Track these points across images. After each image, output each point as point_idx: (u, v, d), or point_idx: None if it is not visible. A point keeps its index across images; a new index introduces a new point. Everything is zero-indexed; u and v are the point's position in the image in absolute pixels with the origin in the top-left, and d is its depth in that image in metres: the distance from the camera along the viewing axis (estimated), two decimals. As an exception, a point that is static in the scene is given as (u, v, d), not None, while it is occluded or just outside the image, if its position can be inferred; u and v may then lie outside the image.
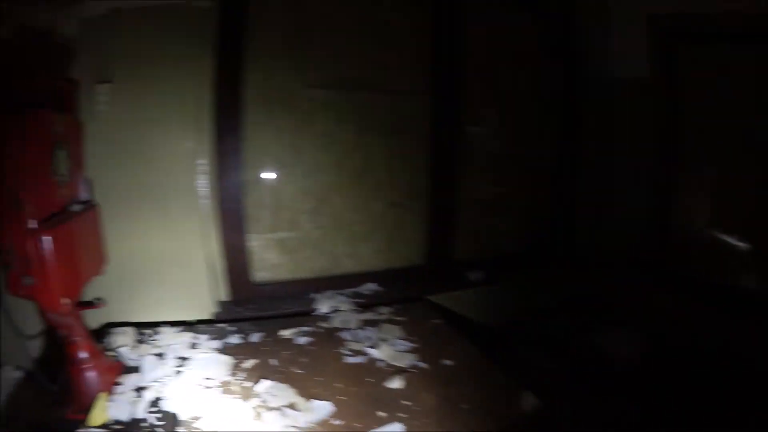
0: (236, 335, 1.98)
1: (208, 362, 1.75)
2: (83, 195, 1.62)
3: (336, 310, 2.21)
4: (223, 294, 2.22)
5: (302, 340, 1.97)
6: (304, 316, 2.16)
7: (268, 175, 2.30)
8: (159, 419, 1.45)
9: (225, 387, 1.64)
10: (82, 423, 1.40)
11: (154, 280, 2.04)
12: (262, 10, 2.12)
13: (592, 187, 2.99)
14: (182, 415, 1.47)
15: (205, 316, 2.12)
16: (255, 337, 1.98)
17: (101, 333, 1.91)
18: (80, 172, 1.61)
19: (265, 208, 2.29)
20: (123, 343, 1.82)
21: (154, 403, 1.52)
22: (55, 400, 1.52)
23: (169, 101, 1.95)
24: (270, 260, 2.34)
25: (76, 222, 1.47)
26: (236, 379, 1.69)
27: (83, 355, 1.51)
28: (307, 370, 1.77)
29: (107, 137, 1.89)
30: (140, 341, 1.88)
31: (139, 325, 1.96)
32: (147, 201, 1.98)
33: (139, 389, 1.58)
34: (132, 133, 1.92)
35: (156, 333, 1.95)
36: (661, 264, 2.66)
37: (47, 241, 1.26)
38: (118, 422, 1.43)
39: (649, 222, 2.71)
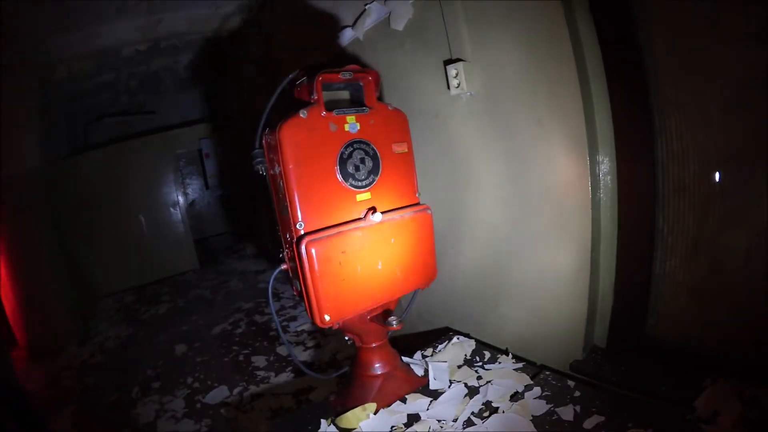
0: (572, 406, 1.24)
1: (507, 425, 1.24)
2: (405, 198, 1.42)
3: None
4: (597, 339, 1.59)
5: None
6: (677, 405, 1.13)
7: (695, 188, 1.36)
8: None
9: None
10: (334, 413, 1.37)
11: (510, 301, 1.71)
12: None
13: None
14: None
15: (556, 363, 1.53)
16: (590, 422, 1.18)
17: (437, 335, 1.81)
18: (400, 173, 1.41)
19: (683, 235, 1.46)
20: (447, 357, 1.60)
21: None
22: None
23: (533, 77, 1.46)
24: (674, 308, 1.49)
25: (375, 232, 1.30)
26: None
27: (370, 363, 1.45)
28: None
29: (460, 123, 1.71)
30: (469, 362, 1.60)
31: (481, 345, 1.69)
32: (506, 196, 1.64)
33: (412, 417, 1.34)
34: (493, 116, 1.62)
35: (492, 360, 1.58)
36: None
37: (309, 253, 1.18)
38: (360, 438, 1.28)
39: None
